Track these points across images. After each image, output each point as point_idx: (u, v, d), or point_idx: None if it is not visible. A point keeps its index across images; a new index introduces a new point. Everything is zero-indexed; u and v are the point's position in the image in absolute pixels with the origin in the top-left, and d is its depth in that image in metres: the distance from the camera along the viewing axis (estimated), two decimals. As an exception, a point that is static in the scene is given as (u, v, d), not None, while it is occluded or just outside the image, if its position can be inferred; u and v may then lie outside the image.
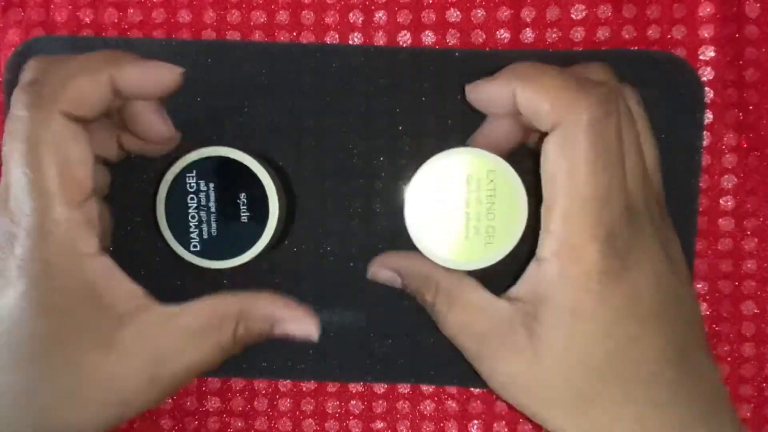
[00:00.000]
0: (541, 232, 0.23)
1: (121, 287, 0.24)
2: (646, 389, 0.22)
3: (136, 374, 0.23)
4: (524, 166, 0.25)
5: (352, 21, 0.30)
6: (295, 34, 0.30)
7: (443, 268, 0.26)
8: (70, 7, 0.30)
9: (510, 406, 0.30)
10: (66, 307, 0.22)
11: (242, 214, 0.27)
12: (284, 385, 0.31)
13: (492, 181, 0.25)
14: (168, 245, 0.27)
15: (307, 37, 0.30)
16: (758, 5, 0.29)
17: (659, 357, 0.23)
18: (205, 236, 0.27)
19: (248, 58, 0.29)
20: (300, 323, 0.25)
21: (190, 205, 0.27)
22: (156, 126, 0.26)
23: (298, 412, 0.31)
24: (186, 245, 0.27)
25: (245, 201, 0.27)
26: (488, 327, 0.24)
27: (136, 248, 0.30)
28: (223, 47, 0.29)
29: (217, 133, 0.29)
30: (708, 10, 0.29)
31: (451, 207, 0.25)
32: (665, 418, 0.22)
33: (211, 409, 0.31)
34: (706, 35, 0.29)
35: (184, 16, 0.30)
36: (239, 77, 0.29)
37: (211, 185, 0.27)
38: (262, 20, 0.30)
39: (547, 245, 0.23)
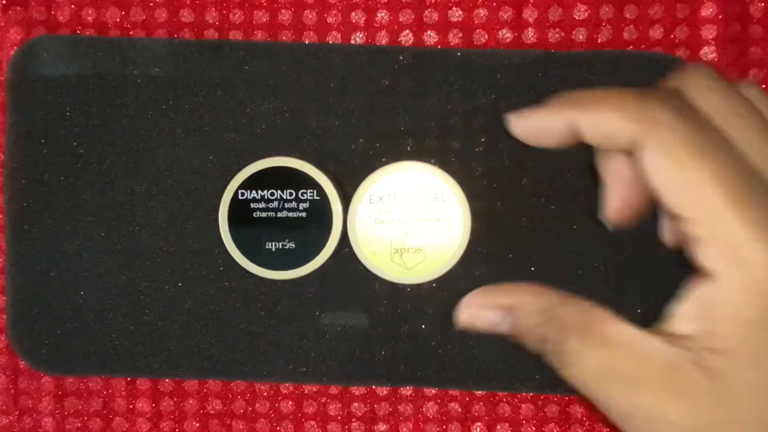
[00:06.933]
0: (690, 245, 0.21)
1: None
2: None
3: None
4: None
5: (354, 21, 0.30)
6: (297, 33, 0.30)
7: (562, 296, 0.23)
8: (72, 6, 0.30)
9: (512, 409, 0.30)
10: None
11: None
12: (286, 387, 0.31)
13: None
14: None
15: (309, 37, 0.30)
16: (763, 5, 0.29)
17: None
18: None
19: (250, 58, 0.29)
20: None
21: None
22: None
23: (299, 415, 0.31)
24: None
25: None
26: (642, 370, 0.21)
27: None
28: (225, 47, 0.29)
29: (219, 134, 0.29)
30: (711, 10, 0.29)
31: None
32: None
33: (212, 412, 0.31)
34: (708, 36, 0.29)
35: (187, 15, 0.30)
36: (241, 77, 0.29)
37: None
38: (265, 20, 0.30)
39: (710, 254, 0.20)
